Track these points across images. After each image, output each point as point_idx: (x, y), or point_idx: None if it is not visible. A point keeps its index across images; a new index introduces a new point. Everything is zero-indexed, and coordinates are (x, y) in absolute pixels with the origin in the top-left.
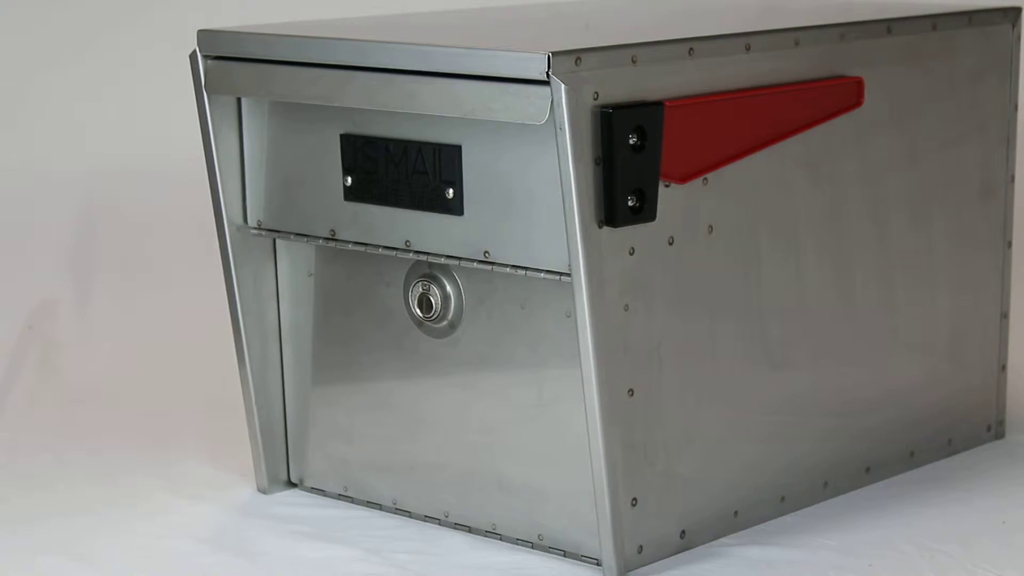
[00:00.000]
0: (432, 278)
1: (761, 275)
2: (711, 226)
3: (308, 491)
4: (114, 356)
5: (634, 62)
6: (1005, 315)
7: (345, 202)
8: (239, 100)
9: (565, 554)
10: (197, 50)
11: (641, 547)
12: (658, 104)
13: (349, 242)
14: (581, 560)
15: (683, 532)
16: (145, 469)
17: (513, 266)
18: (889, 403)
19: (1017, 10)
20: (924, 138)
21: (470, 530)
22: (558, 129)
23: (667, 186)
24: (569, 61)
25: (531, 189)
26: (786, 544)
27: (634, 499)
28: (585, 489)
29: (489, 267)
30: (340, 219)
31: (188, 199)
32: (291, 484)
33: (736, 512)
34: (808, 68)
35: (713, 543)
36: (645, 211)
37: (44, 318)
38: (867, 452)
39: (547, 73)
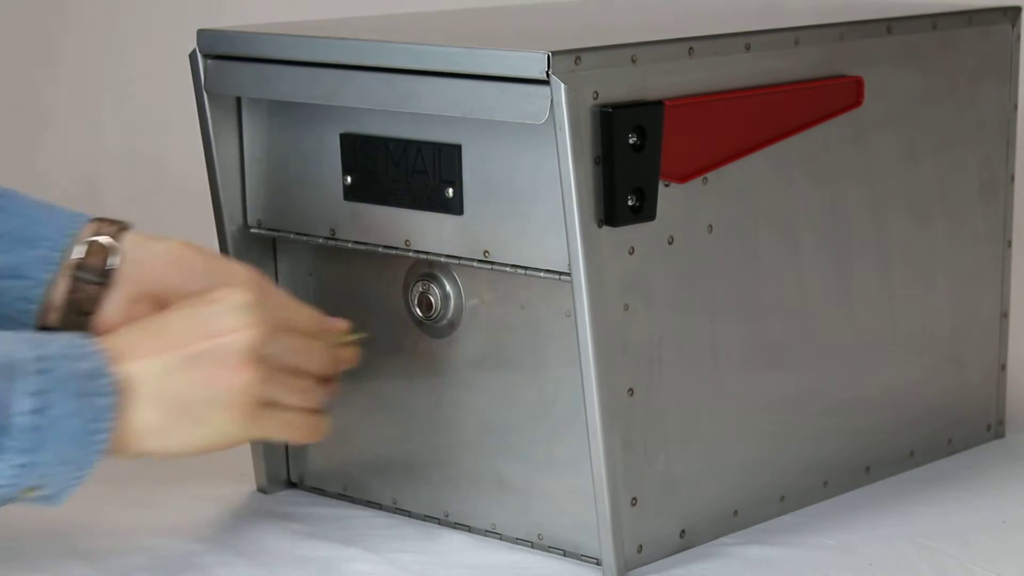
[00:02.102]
0: (432, 278)
1: (761, 275)
2: (711, 226)
3: (308, 491)
4: None
5: (634, 62)
6: (1005, 314)
7: (345, 202)
8: (239, 100)
9: (565, 554)
10: (197, 50)
11: (641, 547)
12: (658, 104)
13: (349, 242)
14: (581, 560)
15: (683, 532)
16: (145, 469)
17: (513, 266)
18: (889, 402)
19: (1017, 10)
20: (924, 138)
21: (470, 530)
22: (558, 129)
23: (667, 186)
24: (569, 61)
25: (531, 189)
26: (786, 544)
27: (634, 499)
28: (585, 489)
29: (489, 266)
30: (340, 219)
31: (188, 199)
32: (291, 484)
33: (736, 512)
34: (808, 68)
35: (713, 543)
36: (645, 211)
37: None
38: (867, 451)
39: (547, 72)
